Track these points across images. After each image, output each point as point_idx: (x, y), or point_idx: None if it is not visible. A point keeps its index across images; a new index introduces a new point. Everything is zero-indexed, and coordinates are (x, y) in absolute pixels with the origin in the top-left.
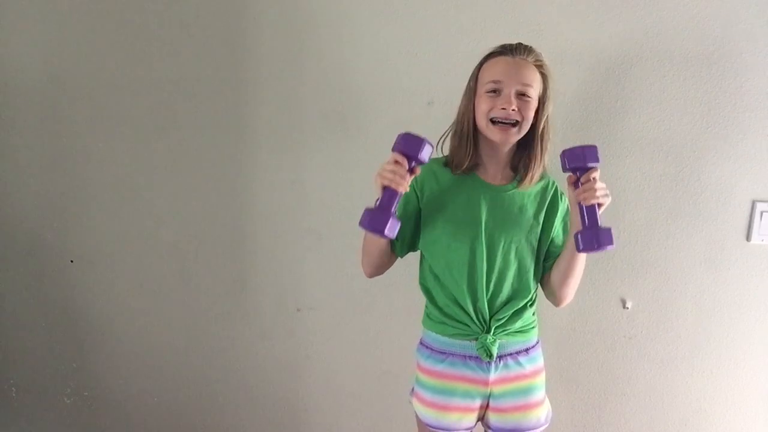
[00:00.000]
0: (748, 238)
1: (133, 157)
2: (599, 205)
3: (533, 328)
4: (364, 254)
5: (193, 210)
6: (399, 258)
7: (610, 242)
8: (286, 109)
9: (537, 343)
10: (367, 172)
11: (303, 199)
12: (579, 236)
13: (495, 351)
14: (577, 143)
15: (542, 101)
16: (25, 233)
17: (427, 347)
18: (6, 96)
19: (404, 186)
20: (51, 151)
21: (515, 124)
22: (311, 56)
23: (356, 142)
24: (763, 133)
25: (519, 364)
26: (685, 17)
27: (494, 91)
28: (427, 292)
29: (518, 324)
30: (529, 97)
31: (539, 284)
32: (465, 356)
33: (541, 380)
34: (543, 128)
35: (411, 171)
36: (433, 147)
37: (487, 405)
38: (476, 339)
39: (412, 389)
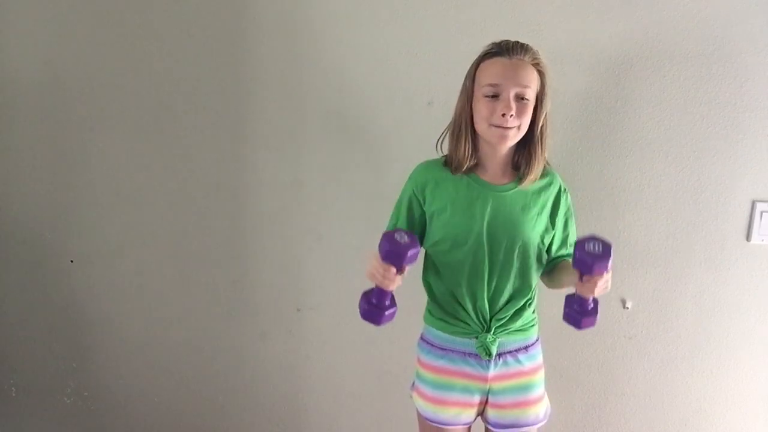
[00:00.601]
0: (748, 238)
1: (133, 157)
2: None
3: (533, 326)
4: None
5: (193, 210)
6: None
7: (592, 324)
8: (286, 109)
9: (537, 340)
10: (367, 172)
11: (303, 199)
12: (566, 309)
13: (494, 350)
14: (577, 143)
15: (540, 99)
16: (25, 233)
17: (427, 342)
18: (6, 96)
19: (393, 286)
20: (51, 151)
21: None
22: (311, 56)
23: (356, 142)
24: (763, 133)
25: (518, 361)
26: (685, 17)
27: (492, 95)
28: (428, 288)
29: (518, 323)
30: (527, 98)
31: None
32: (465, 353)
33: (540, 377)
34: (542, 125)
35: (400, 270)
36: (418, 247)
37: (487, 401)
38: (476, 337)
39: (413, 383)
